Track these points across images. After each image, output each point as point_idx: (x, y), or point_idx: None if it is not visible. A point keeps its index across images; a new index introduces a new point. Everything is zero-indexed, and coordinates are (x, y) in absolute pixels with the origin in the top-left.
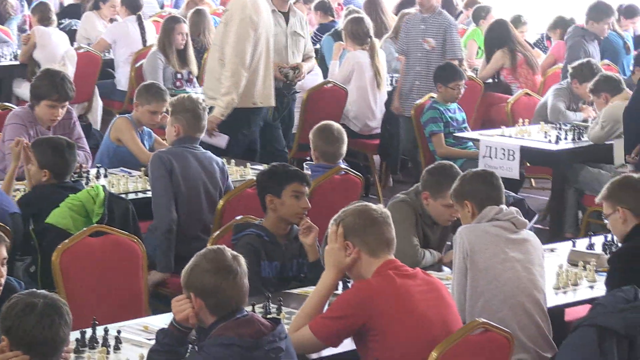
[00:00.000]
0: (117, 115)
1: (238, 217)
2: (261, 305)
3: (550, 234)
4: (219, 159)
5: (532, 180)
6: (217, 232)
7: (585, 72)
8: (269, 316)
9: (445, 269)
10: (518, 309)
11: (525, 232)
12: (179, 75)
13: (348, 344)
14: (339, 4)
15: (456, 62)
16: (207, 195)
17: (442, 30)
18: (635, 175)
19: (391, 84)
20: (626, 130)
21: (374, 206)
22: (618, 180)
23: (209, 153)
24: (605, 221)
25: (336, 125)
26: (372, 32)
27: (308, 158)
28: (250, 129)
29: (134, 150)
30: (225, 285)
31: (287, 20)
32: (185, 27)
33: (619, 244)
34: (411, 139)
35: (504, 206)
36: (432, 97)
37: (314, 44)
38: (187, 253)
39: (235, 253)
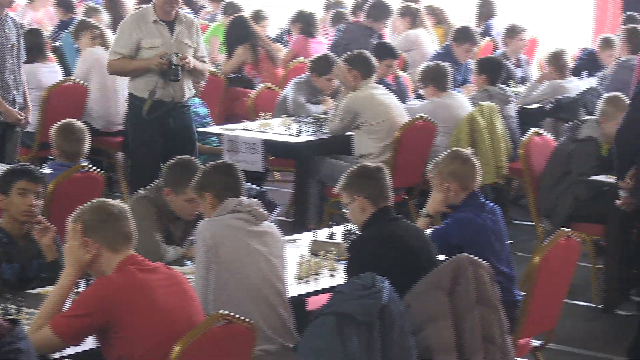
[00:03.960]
0: None
1: None
2: (1, 307)
3: (295, 226)
4: None
5: (276, 173)
6: None
7: (322, 64)
8: (7, 317)
9: (189, 262)
10: (261, 301)
11: (267, 224)
12: None
13: (91, 342)
14: (79, 1)
15: None
16: None
17: None
18: (371, 164)
19: None
20: (618, 155)
21: (111, 201)
22: (355, 170)
23: None
24: (345, 211)
25: (78, 123)
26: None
27: (50, 157)
28: None
29: None
30: None
31: (172, 30)
32: None
33: (359, 233)
34: None
35: (243, 198)
36: None
37: (54, 40)
38: None
39: None
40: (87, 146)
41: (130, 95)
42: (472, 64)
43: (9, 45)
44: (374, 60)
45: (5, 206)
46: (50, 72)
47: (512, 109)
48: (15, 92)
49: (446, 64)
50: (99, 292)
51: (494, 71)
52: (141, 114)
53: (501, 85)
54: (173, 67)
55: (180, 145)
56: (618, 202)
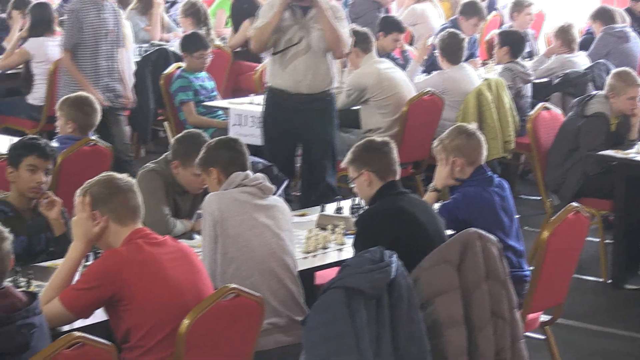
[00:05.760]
0: None
1: None
2: (10, 279)
3: (302, 199)
4: None
5: None
6: None
7: None
8: (24, 289)
9: (197, 236)
10: (268, 274)
11: (273, 198)
12: None
13: (100, 315)
14: None
15: None
16: None
17: None
18: (378, 138)
19: (139, 54)
20: None
21: (118, 175)
22: (362, 144)
23: None
24: (352, 185)
25: (90, 95)
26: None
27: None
28: None
29: None
30: None
31: (305, 13)
32: None
33: (366, 207)
34: None
35: (250, 172)
36: (181, 66)
37: (60, 14)
38: None
39: None
40: (99, 118)
41: (270, 88)
42: (477, 38)
43: (104, 31)
44: (368, 31)
45: (13, 179)
46: (56, 46)
47: (529, 88)
48: (108, 79)
49: (464, 37)
50: (107, 265)
51: (516, 44)
52: (274, 109)
53: (522, 63)
54: None
55: (308, 144)
56: None
